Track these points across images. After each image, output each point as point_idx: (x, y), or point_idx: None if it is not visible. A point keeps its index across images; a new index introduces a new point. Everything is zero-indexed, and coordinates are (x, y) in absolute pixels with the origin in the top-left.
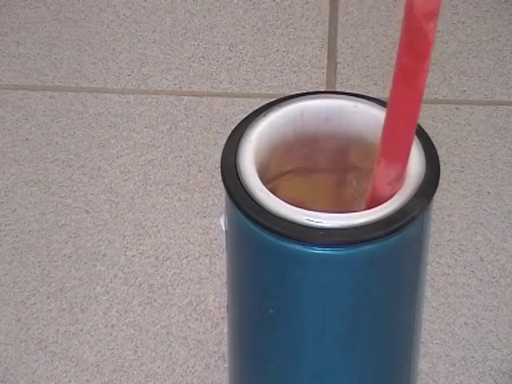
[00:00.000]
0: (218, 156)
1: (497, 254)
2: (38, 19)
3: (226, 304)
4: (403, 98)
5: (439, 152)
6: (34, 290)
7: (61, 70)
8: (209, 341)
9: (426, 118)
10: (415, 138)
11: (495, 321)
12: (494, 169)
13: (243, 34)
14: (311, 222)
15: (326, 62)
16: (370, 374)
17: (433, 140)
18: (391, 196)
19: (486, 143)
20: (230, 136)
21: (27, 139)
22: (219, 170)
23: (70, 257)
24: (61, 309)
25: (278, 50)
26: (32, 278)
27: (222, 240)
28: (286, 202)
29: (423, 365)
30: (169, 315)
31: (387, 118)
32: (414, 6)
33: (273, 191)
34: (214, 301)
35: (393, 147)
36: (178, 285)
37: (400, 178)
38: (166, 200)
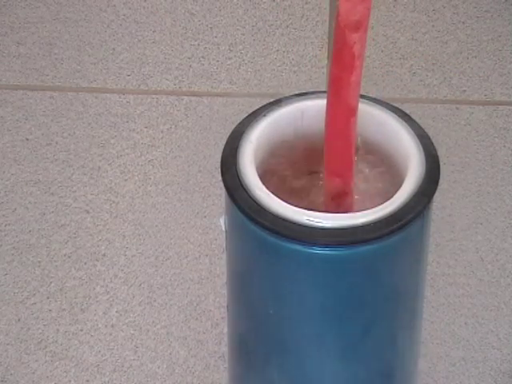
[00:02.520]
0: (218, 156)
1: (497, 254)
2: (38, 19)
3: (226, 304)
4: (333, 110)
5: (439, 152)
6: (34, 290)
7: (61, 70)
8: (209, 341)
9: (426, 118)
10: (415, 138)
11: (495, 321)
12: (494, 169)
13: (243, 34)
14: (311, 222)
15: (326, 61)
16: (370, 372)
17: (433, 140)
18: (338, 212)
19: (486, 143)
20: (230, 136)
21: (27, 139)
22: (219, 169)
23: (69, 257)
24: (61, 309)
25: (277, 50)
26: (32, 278)
27: (222, 240)
28: (286, 202)
29: (423, 365)
30: (169, 315)
31: (325, 131)
32: (339, 14)
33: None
34: (214, 301)
35: (331, 160)
36: (177, 285)
37: (344, 194)
38: (166, 200)
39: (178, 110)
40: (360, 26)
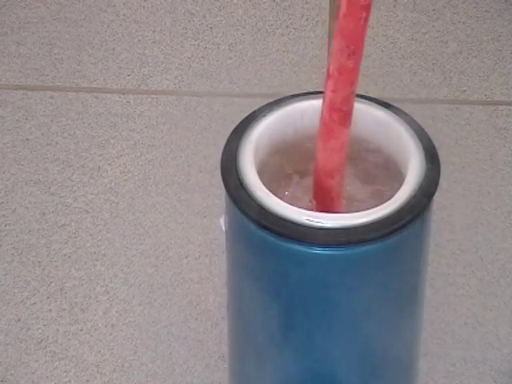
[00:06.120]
0: (218, 156)
1: (497, 254)
2: (38, 19)
3: (226, 304)
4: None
5: (439, 152)
6: (34, 290)
7: (61, 70)
8: (209, 341)
9: (426, 118)
10: (415, 138)
11: (495, 321)
12: (494, 169)
13: (243, 34)
14: (311, 222)
15: (325, 61)
16: (370, 371)
17: (433, 140)
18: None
19: (486, 143)
20: (230, 136)
21: (27, 139)
22: (219, 170)
23: (69, 257)
24: (61, 309)
25: (277, 50)
26: (32, 278)
27: (222, 240)
28: (286, 201)
29: (423, 365)
30: (169, 315)
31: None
32: (317, 163)
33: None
34: (214, 301)
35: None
36: (177, 285)
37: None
38: (166, 200)
39: (177, 110)
40: (337, 172)
